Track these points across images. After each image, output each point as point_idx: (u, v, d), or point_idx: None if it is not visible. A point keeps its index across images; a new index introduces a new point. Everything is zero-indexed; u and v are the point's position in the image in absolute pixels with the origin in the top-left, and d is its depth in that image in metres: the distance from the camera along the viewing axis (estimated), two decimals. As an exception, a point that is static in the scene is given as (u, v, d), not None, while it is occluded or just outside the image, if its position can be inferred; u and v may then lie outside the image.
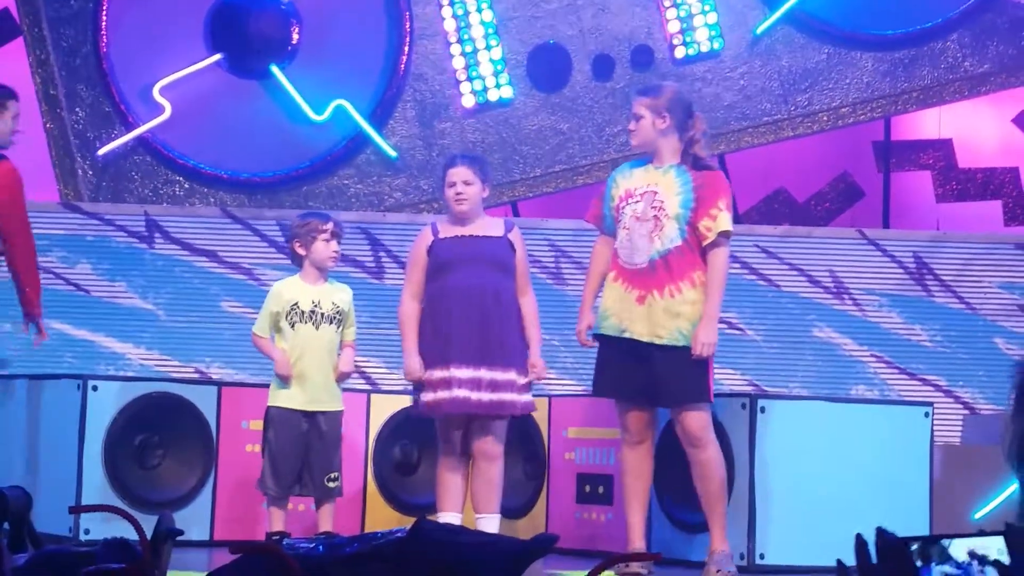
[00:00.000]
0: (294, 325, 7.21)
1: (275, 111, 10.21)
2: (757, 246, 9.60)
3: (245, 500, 7.59)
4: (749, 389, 9.25)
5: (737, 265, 9.31)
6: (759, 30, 10.33)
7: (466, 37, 10.32)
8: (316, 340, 7.21)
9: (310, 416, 7.19)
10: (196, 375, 9.32)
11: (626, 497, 6.77)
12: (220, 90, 10.20)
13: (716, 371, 6.78)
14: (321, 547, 2.93)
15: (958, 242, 9.81)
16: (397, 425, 8.04)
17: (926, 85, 10.39)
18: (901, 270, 9.72)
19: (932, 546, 2.44)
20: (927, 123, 11.09)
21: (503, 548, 3.04)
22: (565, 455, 7.83)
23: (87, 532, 7.27)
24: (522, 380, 7.00)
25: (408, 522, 2.96)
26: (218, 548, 7.47)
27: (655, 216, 6.60)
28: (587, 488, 7.71)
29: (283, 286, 7.33)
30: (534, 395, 7.24)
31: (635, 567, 6.55)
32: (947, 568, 2.37)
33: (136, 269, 9.59)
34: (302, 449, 7.17)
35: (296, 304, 7.22)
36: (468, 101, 10.32)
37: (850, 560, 1.99)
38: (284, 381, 7.15)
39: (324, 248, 7.26)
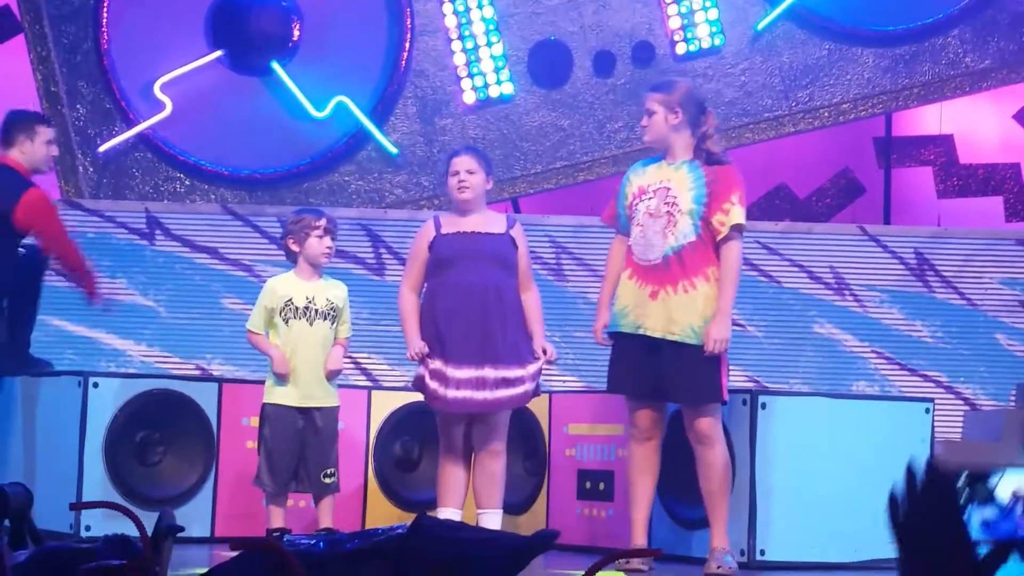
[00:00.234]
0: (288, 321, 7.20)
1: (276, 108, 10.21)
2: (758, 242, 9.59)
3: (246, 497, 7.58)
4: (750, 385, 9.25)
5: (738, 261, 9.31)
6: (760, 26, 10.33)
7: (467, 33, 10.31)
8: (310, 336, 7.20)
9: (305, 412, 7.18)
10: (197, 372, 9.32)
11: (631, 493, 6.77)
12: (221, 87, 10.20)
13: (717, 367, 6.78)
14: (321, 544, 2.93)
15: (959, 238, 9.81)
16: (398, 421, 8.04)
17: (927, 81, 10.39)
18: (902, 266, 9.71)
19: (979, 484, 2.43)
20: (928, 119, 11.09)
21: (503, 544, 3.04)
22: (566, 451, 7.83)
23: (88, 529, 7.27)
24: (531, 369, 6.98)
25: (409, 518, 2.96)
26: (219, 545, 7.47)
27: (668, 212, 6.60)
28: (588, 484, 7.71)
29: (277, 282, 7.32)
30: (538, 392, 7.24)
31: (636, 563, 6.55)
32: (987, 512, 2.36)
33: (137, 266, 9.59)
34: (298, 445, 7.16)
35: (290, 300, 7.21)
36: (469, 97, 10.32)
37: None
38: (281, 379, 7.15)
39: (317, 244, 7.25)
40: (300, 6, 10.25)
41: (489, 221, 7.15)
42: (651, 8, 10.35)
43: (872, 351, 9.64)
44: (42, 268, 7.92)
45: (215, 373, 9.26)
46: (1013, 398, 8.42)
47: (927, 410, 7.38)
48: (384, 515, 7.86)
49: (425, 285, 7.14)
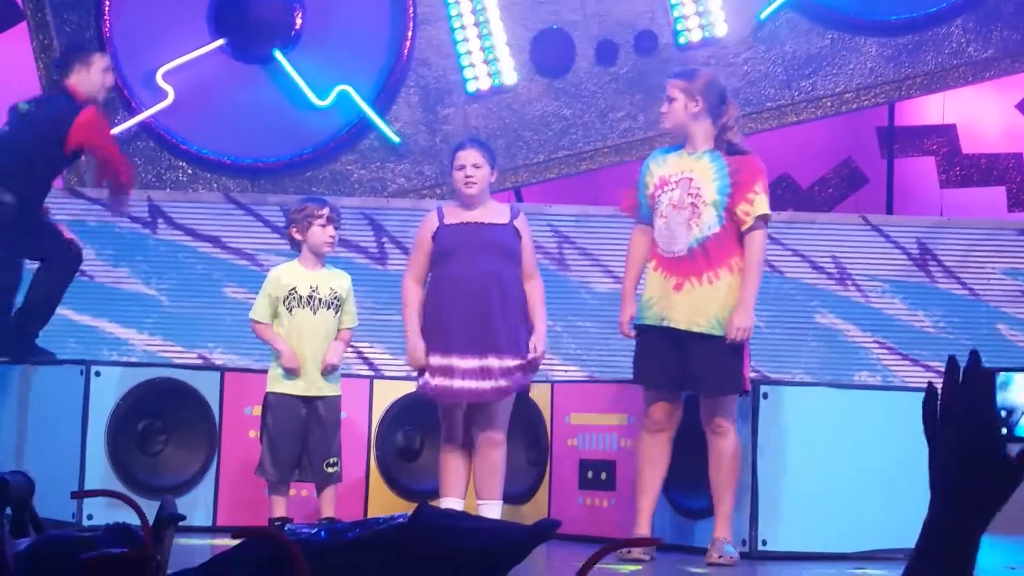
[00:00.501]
0: (291, 310, 7.21)
1: (278, 97, 10.21)
2: (760, 232, 9.58)
3: (248, 486, 7.59)
4: (752, 375, 9.24)
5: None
6: (763, 15, 10.32)
7: (469, 23, 10.30)
8: (314, 325, 7.20)
9: (308, 401, 7.18)
10: (199, 361, 9.33)
11: (638, 483, 6.77)
12: (223, 76, 10.20)
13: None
14: (323, 532, 2.93)
15: (961, 228, 9.81)
16: (400, 411, 8.04)
17: (930, 71, 10.38)
18: (904, 256, 9.71)
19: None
20: (931, 109, 11.08)
21: (505, 534, 3.03)
22: (567, 441, 7.83)
23: (90, 518, 7.27)
24: (527, 358, 6.97)
25: (410, 508, 2.96)
26: (221, 533, 7.48)
27: (692, 203, 6.60)
28: (589, 474, 7.71)
29: (281, 271, 7.32)
30: (537, 380, 7.24)
31: (637, 552, 6.56)
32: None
33: (139, 255, 9.60)
34: (301, 435, 7.16)
35: (294, 289, 7.21)
36: (471, 87, 10.31)
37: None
38: (290, 373, 7.15)
39: (320, 233, 7.25)
40: (302, -5, 10.25)
41: (493, 212, 7.15)
42: (654, -3, 10.34)
43: (874, 341, 9.64)
44: (74, 268, 8.02)
45: (217, 362, 9.26)
46: None
47: (929, 400, 7.37)
48: (386, 504, 7.86)
49: (429, 275, 7.15)
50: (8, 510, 3.64)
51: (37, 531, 3.61)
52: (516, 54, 10.32)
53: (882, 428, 7.20)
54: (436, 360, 6.98)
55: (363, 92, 10.21)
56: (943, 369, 2.02)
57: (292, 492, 7.32)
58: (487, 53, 10.30)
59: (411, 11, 10.25)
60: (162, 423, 7.65)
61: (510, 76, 10.30)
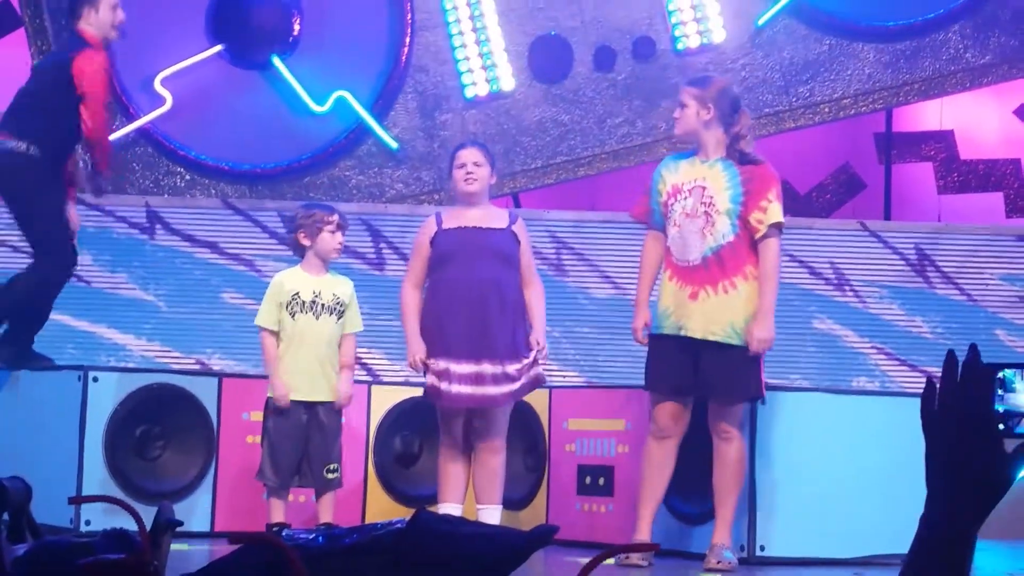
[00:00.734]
0: (294, 315, 7.22)
1: (276, 102, 10.21)
2: (758, 238, 9.58)
3: (246, 491, 7.58)
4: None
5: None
6: (761, 21, 10.33)
7: (467, 28, 10.31)
8: (316, 331, 7.21)
9: (309, 407, 7.19)
10: (197, 366, 9.32)
11: (641, 488, 6.76)
12: (221, 81, 10.20)
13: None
14: (320, 538, 2.93)
15: (959, 234, 9.81)
16: (398, 416, 8.04)
17: (928, 76, 10.38)
18: (902, 262, 9.71)
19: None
20: (929, 115, 11.09)
21: (503, 539, 3.03)
22: (565, 447, 7.83)
23: (88, 523, 7.27)
24: (527, 363, 6.97)
25: (408, 513, 2.96)
26: (218, 539, 7.47)
27: (706, 212, 6.60)
28: (588, 480, 7.71)
29: (285, 276, 7.33)
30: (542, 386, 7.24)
31: (635, 558, 6.55)
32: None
33: (137, 260, 9.59)
34: (302, 440, 7.17)
35: (297, 294, 7.22)
36: (469, 92, 10.31)
37: None
38: (279, 408, 7.17)
39: (330, 239, 7.27)
40: (300, 1, 10.25)
41: (491, 216, 7.15)
42: (652, 3, 10.34)
43: (872, 347, 9.64)
44: (67, 273, 7.94)
45: (215, 368, 9.26)
46: None
47: (927, 406, 7.37)
48: (384, 510, 7.86)
49: (427, 281, 7.15)
50: (6, 516, 3.64)
51: (35, 537, 3.61)
52: (514, 60, 10.32)
53: (880, 433, 7.20)
54: (435, 364, 6.98)
55: (361, 98, 10.21)
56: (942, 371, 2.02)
57: (290, 497, 7.32)
58: (485, 59, 10.30)
59: (409, 17, 10.25)
60: (160, 428, 7.65)
61: (508, 82, 10.30)
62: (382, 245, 9.68)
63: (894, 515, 6.76)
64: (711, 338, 6.56)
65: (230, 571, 2.93)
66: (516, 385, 6.97)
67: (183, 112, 10.12)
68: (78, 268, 8.12)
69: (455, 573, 2.85)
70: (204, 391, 7.73)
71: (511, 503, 7.59)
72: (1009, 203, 10.96)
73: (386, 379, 8.96)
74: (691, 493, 7.00)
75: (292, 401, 7.18)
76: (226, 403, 7.76)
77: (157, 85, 10.08)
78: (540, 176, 10.34)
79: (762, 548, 7.03)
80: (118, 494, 7.16)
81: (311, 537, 2.94)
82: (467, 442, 7.09)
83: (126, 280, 9.56)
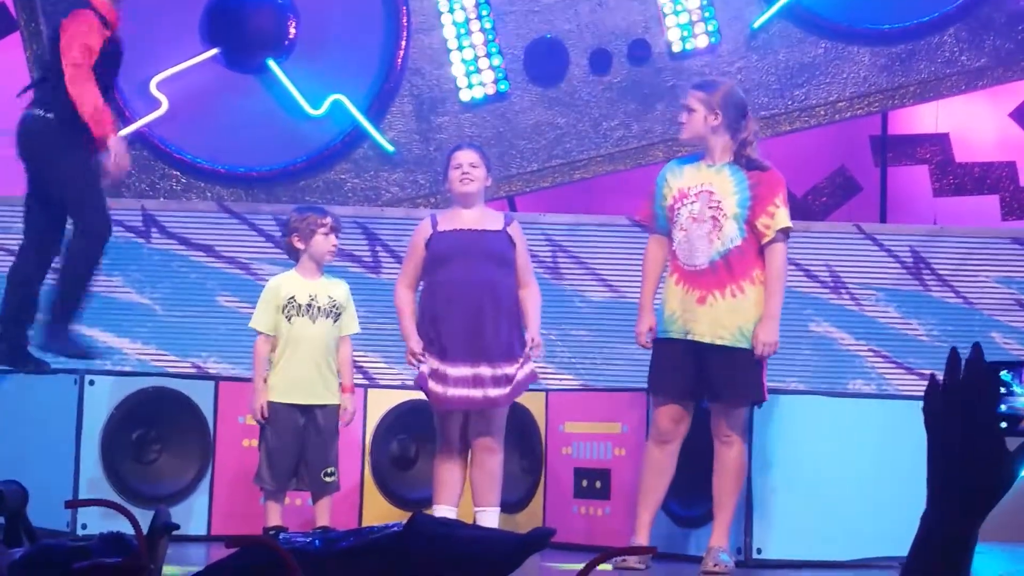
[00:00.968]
0: (290, 319, 7.22)
1: (272, 105, 10.20)
2: (754, 240, 9.58)
3: (242, 495, 7.58)
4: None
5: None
6: (756, 24, 10.33)
7: (463, 31, 10.31)
8: (312, 334, 7.21)
9: (306, 410, 7.19)
10: (193, 370, 9.31)
11: (641, 492, 6.76)
12: (217, 84, 10.19)
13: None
14: (317, 541, 2.93)
15: (955, 237, 9.81)
16: (394, 419, 8.04)
17: (923, 79, 10.38)
18: (898, 265, 9.71)
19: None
20: (924, 117, 11.09)
21: (499, 542, 3.03)
22: (562, 450, 7.83)
23: (84, 527, 7.26)
24: (521, 363, 6.96)
25: (405, 516, 2.96)
26: (215, 543, 7.47)
27: (713, 217, 6.60)
28: (584, 483, 7.71)
29: (280, 280, 7.33)
30: (533, 388, 7.24)
31: (632, 561, 6.55)
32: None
33: (133, 264, 9.58)
34: (299, 444, 7.17)
35: (293, 298, 7.22)
36: (465, 95, 10.31)
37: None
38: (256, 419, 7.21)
39: (324, 242, 7.27)
40: (296, 4, 10.24)
41: (486, 218, 7.15)
42: (647, 6, 10.34)
43: (868, 349, 9.64)
44: (102, 241, 7.80)
45: (211, 371, 9.25)
46: None
47: (923, 408, 7.37)
48: (380, 513, 7.86)
49: (422, 282, 7.15)
50: (2, 520, 3.64)
51: (31, 540, 3.61)
52: (510, 63, 10.32)
53: (876, 436, 7.20)
54: (433, 363, 6.98)
55: (357, 101, 10.21)
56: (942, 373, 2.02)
57: (287, 501, 7.32)
58: (481, 62, 10.30)
59: (405, 20, 10.25)
60: (156, 432, 7.65)
61: (503, 85, 10.30)
62: (378, 248, 9.68)
63: (891, 518, 6.76)
64: (719, 342, 6.56)
65: (227, 574, 2.93)
66: (512, 386, 6.97)
67: (179, 115, 10.11)
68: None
69: (452, 576, 2.85)
70: (200, 395, 7.72)
71: (508, 506, 7.59)
72: (1005, 206, 10.96)
73: (382, 382, 8.96)
74: (688, 496, 7.00)
75: (289, 405, 7.18)
76: (222, 407, 7.76)
77: (152, 88, 10.08)
78: (536, 179, 10.34)
79: (759, 551, 7.02)
80: (114, 498, 7.15)
81: (308, 540, 2.95)
82: (463, 444, 7.09)
83: (122, 283, 9.55)
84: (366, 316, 8.97)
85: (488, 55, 10.30)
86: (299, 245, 7.29)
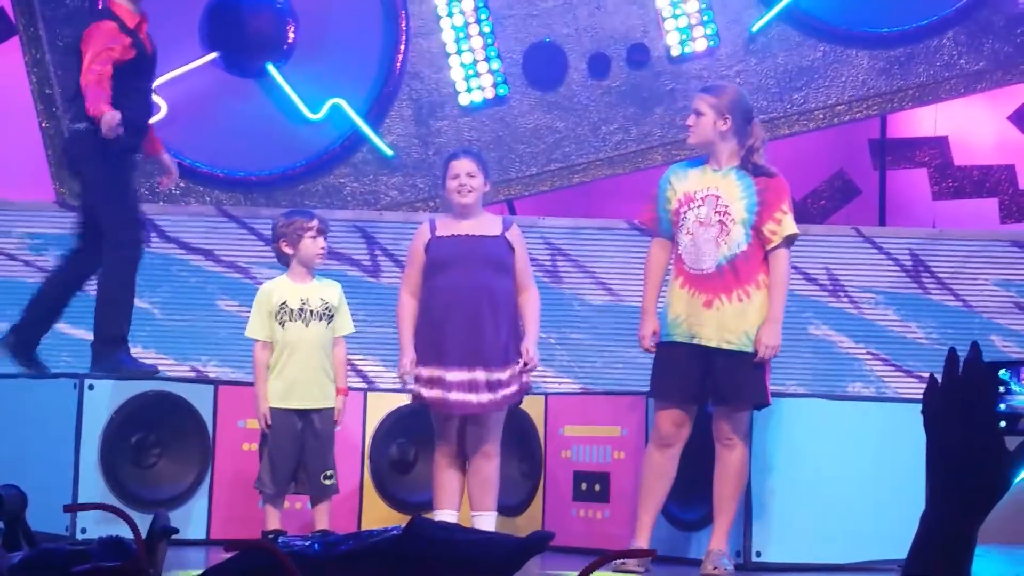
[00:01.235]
0: (284, 324, 7.22)
1: (271, 110, 10.21)
2: (753, 244, 9.58)
3: (241, 499, 7.58)
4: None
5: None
6: (755, 28, 10.33)
7: (462, 35, 10.31)
8: (307, 338, 7.21)
9: (304, 414, 7.19)
10: (192, 374, 9.32)
11: (641, 495, 6.76)
12: (216, 89, 10.20)
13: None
14: (316, 545, 2.93)
15: (954, 240, 9.82)
16: (394, 423, 8.04)
17: (922, 83, 10.39)
18: (897, 268, 9.72)
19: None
20: (923, 121, 11.09)
21: (499, 546, 3.04)
22: (561, 453, 7.83)
23: (84, 531, 7.27)
24: (516, 370, 6.97)
25: (404, 520, 2.96)
26: (214, 546, 7.47)
27: (720, 221, 6.60)
28: (584, 486, 7.71)
29: (271, 286, 7.34)
30: (533, 392, 7.24)
31: (631, 564, 6.55)
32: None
33: (132, 268, 9.57)
34: (298, 448, 7.17)
35: (285, 303, 7.23)
36: (464, 99, 10.31)
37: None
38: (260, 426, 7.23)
39: (312, 245, 7.26)
40: (295, 8, 10.25)
41: (485, 223, 7.16)
42: (646, 10, 10.34)
43: (867, 352, 9.64)
44: (78, 286, 7.94)
45: (210, 375, 9.25)
46: None
47: (922, 411, 7.37)
48: (380, 517, 7.86)
49: (422, 288, 7.15)
50: (1, 524, 3.64)
51: (30, 545, 3.61)
52: (508, 67, 10.33)
53: (876, 439, 7.20)
54: (428, 372, 6.99)
55: (356, 105, 10.21)
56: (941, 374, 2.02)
57: (286, 504, 7.32)
58: (480, 66, 10.31)
59: (404, 24, 10.25)
60: (156, 436, 7.65)
61: (502, 89, 10.31)
62: (377, 252, 9.68)
63: (890, 520, 6.76)
64: (725, 346, 6.57)
65: (226, 578, 2.94)
66: (508, 391, 6.97)
67: (178, 120, 10.11)
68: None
69: (451, 579, 2.86)
70: (200, 399, 7.73)
71: (507, 509, 7.59)
72: (1004, 209, 10.96)
73: (382, 386, 8.96)
74: (688, 499, 7.00)
75: (287, 409, 7.19)
76: (222, 411, 7.76)
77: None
78: (535, 183, 10.34)
79: (758, 554, 7.03)
80: (114, 502, 7.16)
81: (307, 544, 2.95)
82: (462, 449, 7.09)
83: (121, 288, 9.54)
84: (365, 320, 8.98)
85: (487, 59, 10.30)
86: (287, 250, 7.29)
